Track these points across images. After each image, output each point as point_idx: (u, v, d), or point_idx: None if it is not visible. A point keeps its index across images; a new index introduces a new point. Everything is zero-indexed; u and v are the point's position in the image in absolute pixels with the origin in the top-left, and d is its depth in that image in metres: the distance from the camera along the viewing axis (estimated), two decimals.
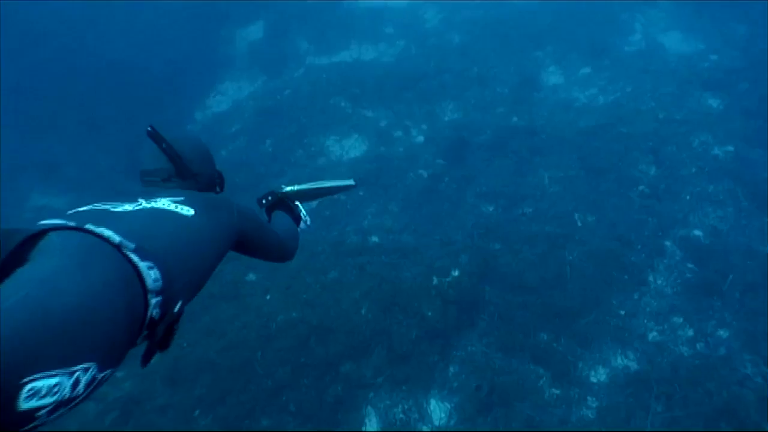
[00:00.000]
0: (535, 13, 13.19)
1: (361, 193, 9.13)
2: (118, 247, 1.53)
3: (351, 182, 2.97)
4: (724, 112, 9.64)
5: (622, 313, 6.78)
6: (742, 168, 8.38)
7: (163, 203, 1.87)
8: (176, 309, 1.67)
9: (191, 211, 1.86)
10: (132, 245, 1.57)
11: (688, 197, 8.10)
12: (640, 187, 8.27)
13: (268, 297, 7.22)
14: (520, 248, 7.43)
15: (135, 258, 1.55)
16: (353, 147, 10.56)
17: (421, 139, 10.30)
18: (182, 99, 12.42)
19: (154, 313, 1.58)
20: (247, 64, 13.43)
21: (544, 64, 11.86)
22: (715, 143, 8.90)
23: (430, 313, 6.68)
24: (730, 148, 8.76)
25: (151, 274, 1.56)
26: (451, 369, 6.46)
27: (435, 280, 6.98)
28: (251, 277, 7.58)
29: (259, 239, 2.21)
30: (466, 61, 11.92)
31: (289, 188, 2.82)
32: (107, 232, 1.55)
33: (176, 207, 1.86)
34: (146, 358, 1.69)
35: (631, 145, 8.89)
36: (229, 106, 12.50)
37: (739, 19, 11.90)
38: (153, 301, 1.57)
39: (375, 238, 8.05)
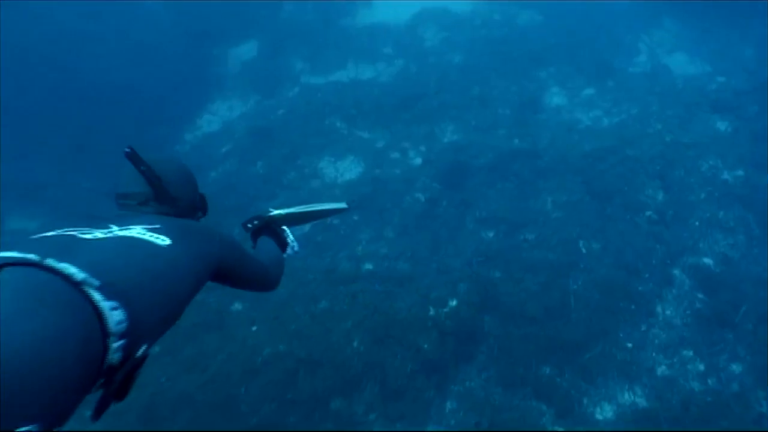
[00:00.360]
0: (537, 33, 13.19)
1: (355, 218, 9.01)
2: (80, 284, 1.45)
3: (343, 205, 2.95)
4: (733, 136, 9.58)
5: (630, 345, 6.70)
6: (753, 194, 8.33)
7: (137, 231, 1.81)
8: (139, 353, 1.58)
9: (167, 241, 1.80)
10: (97, 282, 1.48)
11: (697, 223, 8.06)
12: (648, 213, 8.23)
13: (254, 328, 7.08)
14: (522, 277, 7.39)
15: (98, 297, 1.46)
16: (348, 169, 10.39)
17: (418, 161, 10.16)
18: (172, 119, 12.24)
19: (114, 359, 1.48)
20: (239, 84, 13.25)
21: (547, 84, 11.79)
22: (725, 167, 8.86)
23: (426, 346, 6.57)
24: (740, 173, 8.71)
25: (115, 316, 1.47)
26: (449, 405, 6.33)
27: (431, 311, 6.91)
28: (237, 306, 7.46)
29: (241, 269, 2.15)
30: (467, 81, 11.85)
31: (277, 212, 2.78)
32: (70, 269, 1.47)
33: (151, 236, 1.80)
34: (98, 411, 1.57)
35: (638, 169, 8.86)
36: (219, 126, 12.34)
37: (745, 42, 11.96)
38: (114, 345, 1.48)
39: (369, 266, 7.95)
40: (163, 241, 1.79)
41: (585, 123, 10.75)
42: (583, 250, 7.79)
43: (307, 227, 8.88)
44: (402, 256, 8.09)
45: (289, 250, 2.78)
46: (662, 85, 11.18)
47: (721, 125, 9.86)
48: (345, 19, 14.68)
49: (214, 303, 7.38)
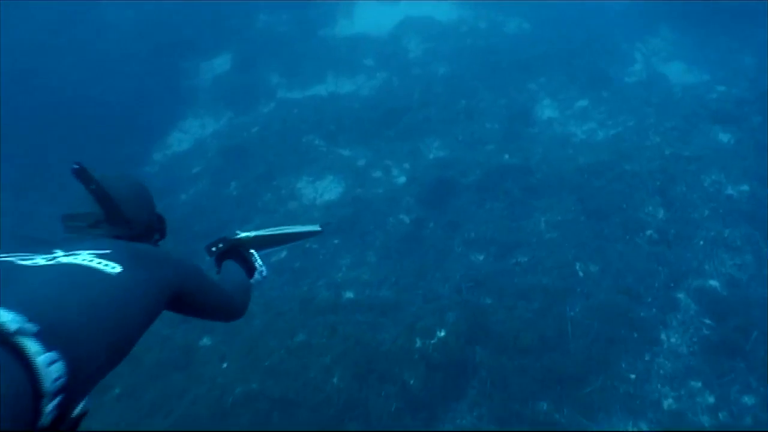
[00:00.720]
0: (526, 42, 13.20)
1: (335, 241, 8.93)
2: (13, 335, 1.33)
3: (316, 228, 2.95)
4: (737, 148, 9.49)
5: (633, 377, 6.49)
6: (760, 210, 8.18)
7: (84, 257, 1.76)
8: (76, 412, 1.48)
9: (117, 268, 1.74)
10: (33, 328, 1.36)
11: (701, 243, 7.91)
12: (648, 232, 8.13)
13: (224, 365, 6.84)
14: (515, 303, 7.23)
15: (33, 350, 1.33)
16: (328, 189, 10.32)
17: (402, 179, 10.12)
18: (139, 137, 12.21)
19: (46, 421, 1.34)
20: (211, 100, 13.30)
21: (538, 96, 11.79)
22: (729, 182, 8.77)
23: (412, 381, 6.37)
24: (745, 188, 8.61)
25: (53, 372, 1.35)
26: None
27: (418, 342, 6.72)
28: (206, 341, 7.26)
29: (202, 297, 2.09)
30: (453, 94, 11.89)
31: (244, 234, 2.76)
32: (2, 316, 1.34)
33: (99, 263, 1.74)
34: None
35: (636, 185, 8.82)
36: (190, 145, 12.33)
37: (744, 49, 11.95)
38: (48, 407, 1.34)
39: (350, 294, 7.82)
40: (113, 268, 1.73)
41: (579, 136, 10.68)
42: (580, 274, 7.64)
43: (283, 253, 8.81)
44: (385, 282, 7.97)
45: (257, 275, 2.72)
46: (660, 95, 11.16)
47: (723, 137, 9.79)
48: (324, 29, 14.72)
49: (180, 339, 7.19)
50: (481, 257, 8.26)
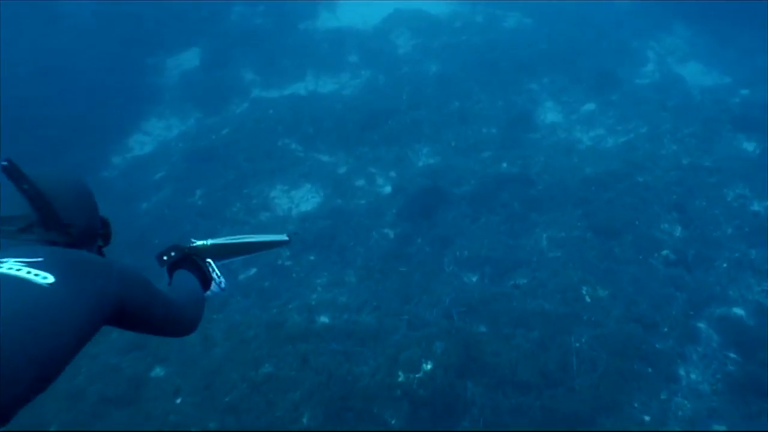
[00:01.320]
0: (527, 38, 13.21)
1: (311, 258, 8.84)
2: None
3: (283, 237, 2.99)
4: (762, 158, 9.46)
5: (647, 419, 6.32)
6: None
7: (11, 266, 1.75)
8: None
9: (48, 278, 1.73)
10: None
11: (724, 265, 7.87)
12: (664, 252, 8.07)
13: (178, 400, 6.65)
14: (512, 332, 7.11)
15: None
16: (304, 199, 10.21)
17: (388, 189, 10.05)
18: (97, 140, 12.03)
19: None
20: (178, 99, 13.21)
21: (540, 98, 11.78)
22: (754, 197, 8.74)
23: (394, 421, 6.25)
24: None
25: None
26: None
27: (401, 376, 6.59)
28: (158, 372, 7.05)
29: (148, 311, 2.06)
30: (445, 95, 11.89)
31: (200, 242, 2.77)
32: None
33: (28, 272, 1.73)
34: None
35: (650, 199, 8.82)
36: (153, 147, 12.21)
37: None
38: None
39: (324, 319, 7.65)
40: (44, 278, 1.72)
41: (585, 143, 10.65)
42: (587, 299, 7.52)
43: (252, 270, 8.78)
44: (366, 306, 7.80)
45: (214, 287, 2.71)
46: (675, 99, 11.17)
47: (748, 146, 9.80)
48: (304, 22, 14.73)
49: (128, 369, 6.99)
50: (475, 278, 8.15)
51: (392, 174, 10.41)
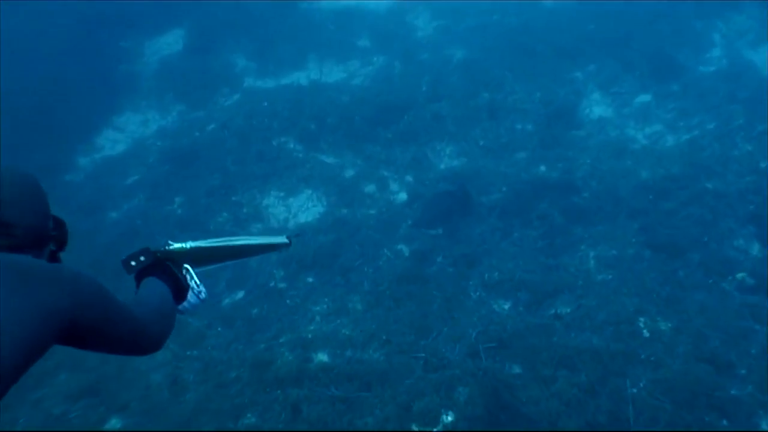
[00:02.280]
0: (570, 19, 13.08)
1: (309, 280, 8.78)
2: None
3: (282, 240, 3.03)
4: None
5: None
6: None
7: None
8: None
9: None
10: None
11: None
12: (739, 275, 7.93)
13: None
14: (553, 374, 6.90)
15: None
16: (304, 208, 10.20)
17: (403, 196, 10.03)
18: (60, 138, 12.10)
19: None
20: (157, 89, 13.27)
21: (585, 89, 11.69)
22: None
23: None
24: None
25: None
26: None
27: (415, 429, 6.48)
28: (114, 424, 6.88)
29: (104, 326, 2.02)
30: (473, 85, 11.80)
31: (178, 245, 2.77)
32: None
33: None
34: None
35: (721, 210, 8.76)
36: (127, 146, 12.28)
37: None
38: None
39: (322, 356, 7.51)
40: None
41: (640, 142, 10.52)
42: (646, 333, 7.31)
43: (239, 293, 8.77)
44: (373, 341, 7.63)
45: (191, 298, 2.71)
46: (748, 89, 11.01)
47: None
48: (306, 1, 14.65)
49: (77, 420, 6.86)
50: (507, 307, 8.02)
51: (408, 178, 10.37)
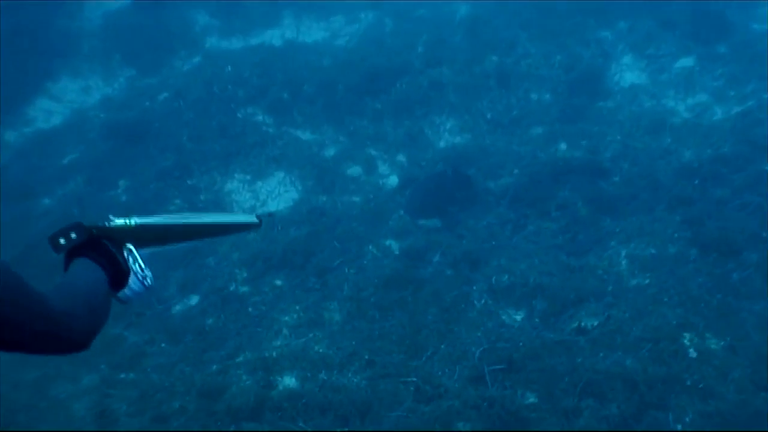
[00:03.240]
0: None
1: (277, 283, 8.61)
2: None
3: (251, 220, 2.94)
4: None
5: None
6: None
7: None
8: None
9: None
10: None
11: None
12: None
13: None
14: (577, 405, 6.61)
15: None
16: (274, 194, 10.18)
17: (393, 180, 10.04)
18: None
19: None
20: (101, 50, 13.27)
21: (615, 51, 11.61)
22: None
23: None
24: None
25: None
26: None
27: None
28: None
29: (17, 321, 1.92)
30: (479, 47, 11.73)
31: (120, 221, 2.59)
32: None
33: None
34: None
35: None
36: (64, 119, 12.25)
37: None
38: None
39: (290, 381, 7.30)
40: None
41: (682, 115, 10.39)
42: (692, 353, 6.95)
43: (194, 299, 8.59)
44: (353, 361, 7.45)
45: (134, 285, 2.53)
46: None
47: None
48: None
49: None
50: (519, 318, 7.82)
51: (401, 158, 10.39)
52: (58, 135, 11.78)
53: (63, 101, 12.51)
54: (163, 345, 7.83)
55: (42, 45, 12.96)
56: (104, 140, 11.29)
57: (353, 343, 7.66)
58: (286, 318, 8.12)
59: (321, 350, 7.61)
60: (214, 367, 7.56)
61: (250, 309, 8.27)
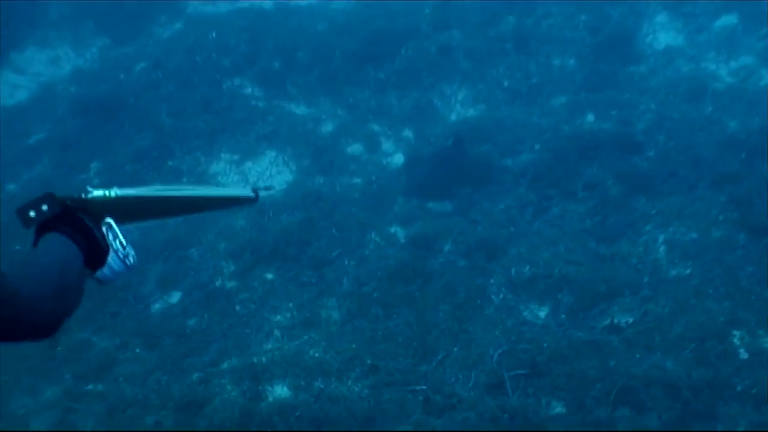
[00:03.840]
0: None
1: (269, 277, 8.53)
2: None
3: (247, 193, 2.98)
4: None
5: None
6: None
7: None
8: None
9: None
10: None
11: None
12: None
13: None
14: (610, 416, 6.53)
15: None
16: (265, 176, 10.12)
17: (399, 159, 9.93)
18: None
19: None
20: (71, 16, 13.12)
21: (647, 9, 11.34)
22: None
23: None
24: None
25: None
26: None
27: None
28: None
29: None
30: (494, 6, 11.59)
31: (99, 192, 2.57)
32: None
33: None
34: None
35: None
36: (30, 93, 12.13)
37: None
38: None
39: (281, 390, 7.20)
40: None
41: (724, 81, 10.22)
42: (743, 354, 6.88)
43: (175, 296, 8.48)
44: (354, 367, 7.33)
45: (114, 263, 2.51)
46: None
47: None
48: None
49: None
50: (543, 315, 7.69)
51: (407, 134, 10.29)
52: (23, 112, 11.63)
53: (29, 74, 12.43)
54: (137, 350, 7.70)
55: (5, 12, 12.37)
56: (74, 117, 11.19)
57: (354, 345, 7.54)
58: (278, 317, 8.03)
59: (317, 355, 7.50)
60: (195, 375, 7.44)
61: (237, 307, 8.17)
